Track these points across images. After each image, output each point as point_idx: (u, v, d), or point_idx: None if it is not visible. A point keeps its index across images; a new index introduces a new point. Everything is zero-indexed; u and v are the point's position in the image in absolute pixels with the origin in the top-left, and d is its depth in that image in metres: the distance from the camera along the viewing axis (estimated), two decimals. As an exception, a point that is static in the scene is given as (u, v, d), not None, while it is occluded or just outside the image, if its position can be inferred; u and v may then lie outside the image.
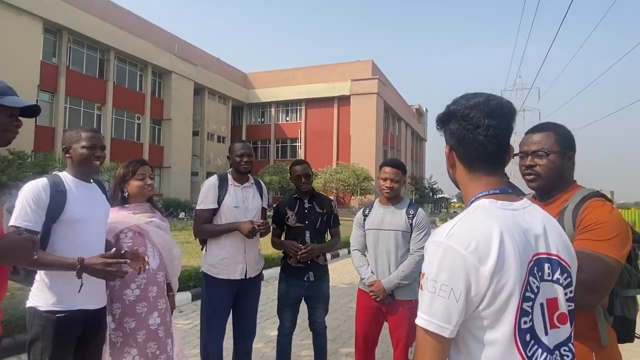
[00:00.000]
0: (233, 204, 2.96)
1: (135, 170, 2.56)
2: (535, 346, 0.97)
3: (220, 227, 2.91)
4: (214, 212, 2.96)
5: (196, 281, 5.87)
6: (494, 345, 0.95)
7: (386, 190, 2.92)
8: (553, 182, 1.59)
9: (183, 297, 5.66)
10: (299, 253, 3.02)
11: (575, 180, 1.63)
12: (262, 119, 43.67)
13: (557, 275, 1.03)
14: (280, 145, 42.55)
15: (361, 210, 3.16)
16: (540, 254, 1.01)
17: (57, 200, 1.98)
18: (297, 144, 41.40)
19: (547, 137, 1.58)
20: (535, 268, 0.99)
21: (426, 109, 67.41)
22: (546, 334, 0.99)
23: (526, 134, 1.68)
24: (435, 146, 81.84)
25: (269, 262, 7.40)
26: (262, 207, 3.15)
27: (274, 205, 3.71)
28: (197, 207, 3.00)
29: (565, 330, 1.03)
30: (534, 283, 0.98)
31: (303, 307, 3.28)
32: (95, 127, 27.13)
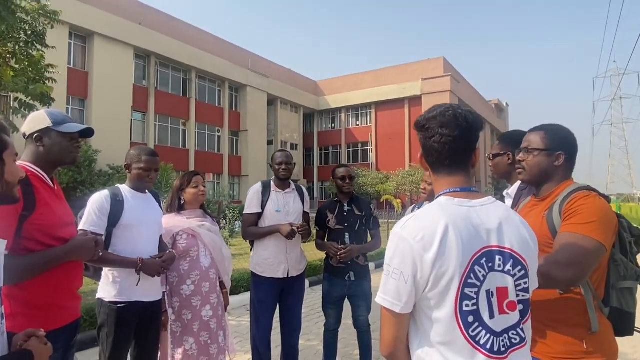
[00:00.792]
0: (275, 208, 3.21)
1: (190, 180, 2.91)
2: (480, 328, 1.08)
3: (263, 230, 3.18)
4: (259, 216, 3.24)
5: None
6: (440, 323, 1.09)
7: (423, 193, 3.03)
8: (537, 177, 1.66)
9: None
10: (339, 254, 3.18)
11: (572, 178, 1.67)
12: (333, 125, 44.31)
13: (508, 267, 1.12)
14: (351, 149, 42.82)
15: (410, 208, 3.25)
16: (491, 246, 1.12)
17: (116, 208, 2.35)
18: (368, 147, 41.38)
19: (536, 136, 1.67)
20: (484, 259, 1.11)
21: (507, 104, 63.48)
22: (491, 317, 1.09)
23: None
24: (519, 142, 76.26)
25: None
26: (304, 211, 3.37)
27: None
28: (244, 212, 3.30)
29: (515, 317, 1.13)
30: (480, 272, 1.09)
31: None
32: (180, 141, 29.67)
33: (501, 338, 1.09)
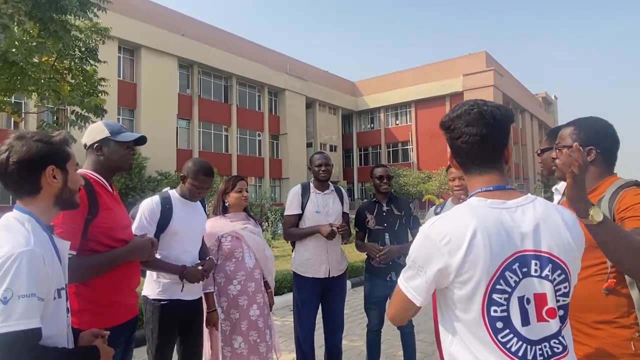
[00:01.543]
0: (315, 209, 3.26)
1: (235, 184, 3.00)
2: (511, 335, 1.04)
3: (303, 230, 3.24)
4: (299, 217, 3.30)
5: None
6: (468, 326, 1.08)
7: (457, 190, 2.96)
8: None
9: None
10: (378, 255, 3.17)
11: (615, 173, 1.60)
12: (372, 125, 44.04)
13: (546, 272, 1.07)
14: (391, 149, 42.38)
15: (433, 208, 3.20)
16: (525, 251, 1.07)
17: (165, 215, 2.48)
18: (408, 146, 40.78)
19: (566, 132, 1.63)
20: (517, 264, 1.06)
21: (555, 96, 60.52)
22: (524, 325, 1.05)
23: None
24: (570, 137, 72.25)
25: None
26: (343, 212, 3.39)
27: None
28: (285, 214, 3.37)
29: (555, 325, 1.07)
30: (512, 278, 1.05)
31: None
32: (223, 146, 30.55)
33: (539, 347, 1.05)
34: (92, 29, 8.00)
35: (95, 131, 1.99)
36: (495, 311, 1.04)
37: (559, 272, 1.08)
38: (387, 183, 3.37)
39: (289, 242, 3.49)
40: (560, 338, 1.07)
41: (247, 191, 3.06)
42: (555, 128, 2.22)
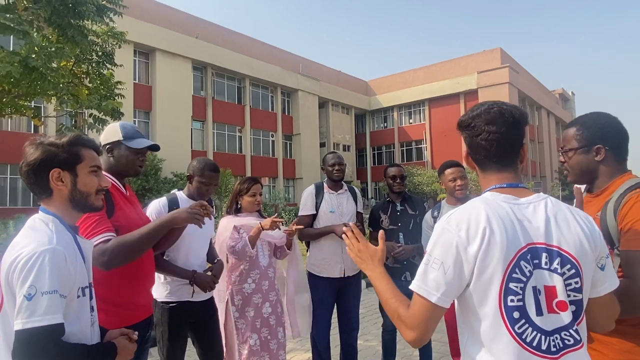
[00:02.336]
0: (329, 209, 3.27)
1: (249, 188, 3.00)
2: (527, 325, 1.06)
3: (317, 230, 3.25)
4: (314, 217, 3.31)
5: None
6: (486, 319, 1.08)
7: (459, 190, 2.96)
8: (582, 177, 1.56)
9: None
10: (393, 252, 3.16)
11: (630, 170, 1.52)
12: (385, 124, 43.79)
13: (555, 265, 1.09)
14: (404, 148, 42.07)
15: (429, 211, 3.19)
16: (536, 243, 1.10)
17: None
18: (422, 145, 40.45)
19: (569, 133, 1.57)
20: (529, 255, 1.09)
21: (572, 93, 59.36)
22: (538, 315, 1.06)
23: None
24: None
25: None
26: (357, 212, 3.40)
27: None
28: (299, 214, 3.39)
29: (566, 317, 1.08)
30: (526, 267, 1.08)
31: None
32: (237, 147, 30.78)
33: (552, 337, 1.06)
34: (109, 33, 8.17)
35: (110, 132, 1.99)
36: (512, 300, 1.06)
37: (568, 266, 1.10)
38: (401, 183, 3.36)
39: (304, 242, 3.51)
40: (571, 331, 1.08)
41: (260, 195, 3.05)
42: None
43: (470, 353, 1.12)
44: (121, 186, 1.97)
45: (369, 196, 40.70)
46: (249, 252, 2.84)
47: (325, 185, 3.37)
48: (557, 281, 1.09)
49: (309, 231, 3.31)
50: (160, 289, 2.54)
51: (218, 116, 29.46)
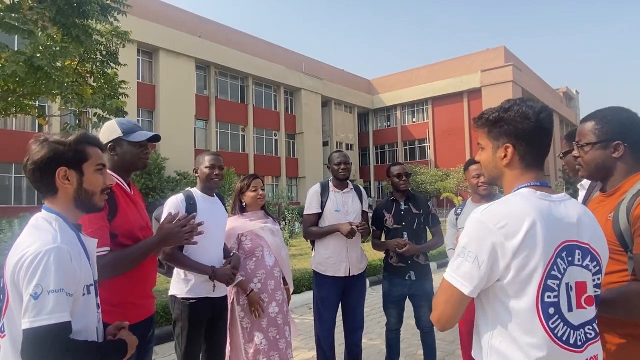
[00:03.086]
0: (334, 208, 3.26)
1: (250, 184, 3.04)
2: (559, 320, 1.10)
3: (323, 229, 3.24)
4: (319, 216, 3.31)
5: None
6: (518, 313, 1.09)
7: (483, 188, 2.91)
8: (596, 174, 1.53)
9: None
10: (398, 247, 3.13)
11: None
12: (388, 123, 43.70)
13: (587, 262, 1.15)
14: (408, 147, 41.97)
15: (453, 209, 3.17)
16: (571, 241, 1.13)
17: (190, 211, 2.49)
18: (425, 144, 40.36)
19: (587, 127, 1.52)
20: (565, 252, 1.12)
21: (577, 91, 59.06)
22: (569, 311, 1.10)
23: None
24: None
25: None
26: (363, 211, 3.39)
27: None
28: (305, 213, 3.39)
29: (591, 312, 1.15)
30: (562, 265, 1.10)
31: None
32: (240, 146, 30.83)
33: (578, 332, 1.11)
34: (113, 33, 8.17)
35: (108, 130, 1.96)
36: (549, 297, 1.09)
37: (595, 263, 1.16)
38: (406, 181, 3.35)
39: (309, 241, 3.50)
40: (594, 325, 1.15)
41: (262, 189, 3.08)
42: (573, 130, 2.16)
43: (495, 346, 1.13)
44: (126, 185, 1.96)
45: (371, 195, 40.65)
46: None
47: (330, 184, 3.36)
48: (587, 277, 1.14)
49: (315, 230, 3.30)
50: (181, 285, 2.56)
51: (221, 115, 29.49)
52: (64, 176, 1.34)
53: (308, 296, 6.12)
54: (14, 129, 20.12)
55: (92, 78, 8.07)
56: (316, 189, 3.37)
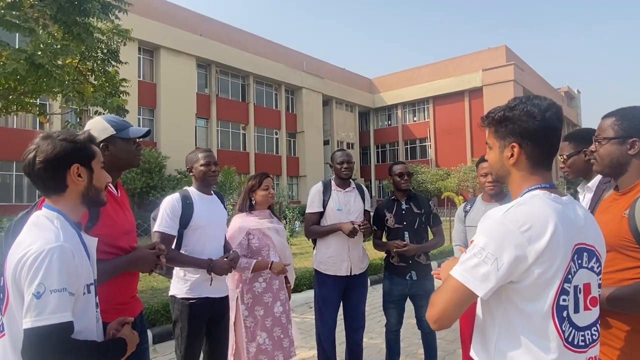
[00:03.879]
0: (336, 207, 3.25)
1: (261, 182, 3.05)
2: (568, 323, 1.10)
3: (325, 228, 3.24)
4: (321, 215, 3.30)
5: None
6: (531, 316, 1.08)
7: (490, 186, 2.89)
8: (610, 168, 1.54)
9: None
10: (397, 247, 3.13)
11: None
12: (389, 122, 43.64)
13: (592, 263, 1.16)
14: (409, 146, 41.93)
15: (462, 205, 3.15)
16: (581, 244, 1.14)
17: (187, 211, 2.50)
18: (426, 143, 40.32)
19: (606, 122, 1.55)
20: (576, 255, 1.13)
21: (578, 91, 58.93)
22: (575, 312, 1.11)
23: None
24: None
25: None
26: (365, 210, 3.38)
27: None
28: (306, 211, 3.38)
29: (596, 312, 1.16)
30: (573, 267, 1.11)
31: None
32: (241, 145, 30.82)
33: (582, 333, 1.11)
34: (114, 30, 8.17)
35: (99, 129, 1.84)
36: (565, 300, 1.09)
37: (598, 264, 1.17)
38: (408, 180, 3.33)
39: (310, 239, 3.50)
40: (597, 325, 1.16)
41: (273, 189, 3.10)
42: (575, 132, 2.14)
43: (502, 349, 1.11)
44: (113, 187, 1.87)
45: (372, 194, 40.63)
46: (245, 275, 2.89)
47: (332, 182, 3.35)
48: (592, 279, 1.15)
49: (317, 229, 3.29)
50: (180, 285, 2.56)
51: (222, 114, 29.46)
52: (76, 172, 1.34)
53: (308, 295, 6.12)
54: (14, 126, 20.12)
55: (93, 76, 8.07)
56: (318, 187, 3.36)
